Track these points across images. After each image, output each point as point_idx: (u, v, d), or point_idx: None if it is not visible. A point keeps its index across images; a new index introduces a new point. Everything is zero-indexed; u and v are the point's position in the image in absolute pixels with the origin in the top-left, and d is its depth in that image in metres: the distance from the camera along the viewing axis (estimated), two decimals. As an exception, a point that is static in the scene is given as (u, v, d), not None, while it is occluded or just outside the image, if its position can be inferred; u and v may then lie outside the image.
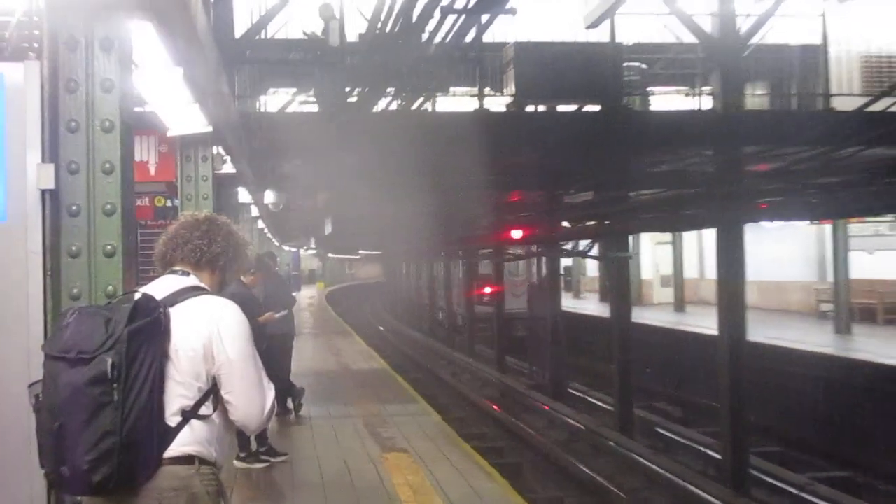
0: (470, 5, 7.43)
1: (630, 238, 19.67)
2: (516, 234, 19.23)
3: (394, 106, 12.90)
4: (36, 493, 3.65)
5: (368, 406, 11.71)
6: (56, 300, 3.81)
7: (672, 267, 28.67)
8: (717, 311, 12.39)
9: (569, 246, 19.18)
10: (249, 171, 11.68)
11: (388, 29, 8.78)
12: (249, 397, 3.01)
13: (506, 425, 16.14)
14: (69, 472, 2.72)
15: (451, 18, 7.74)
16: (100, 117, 3.90)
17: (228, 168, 10.67)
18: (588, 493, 12.15)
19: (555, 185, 17.20)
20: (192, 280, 3.14)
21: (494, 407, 17.77)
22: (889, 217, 21.19)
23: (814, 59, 14.84)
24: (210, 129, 7.82)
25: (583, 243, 17.91)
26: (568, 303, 25.02)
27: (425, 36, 8.36)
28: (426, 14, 7.75)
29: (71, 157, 3.88)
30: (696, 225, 17.47)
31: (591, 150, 13.05)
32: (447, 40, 8.24)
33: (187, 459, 2.88)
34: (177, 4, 4.32)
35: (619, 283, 16.20)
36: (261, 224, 24.52)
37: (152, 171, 9.75)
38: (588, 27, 11.38)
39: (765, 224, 19.84)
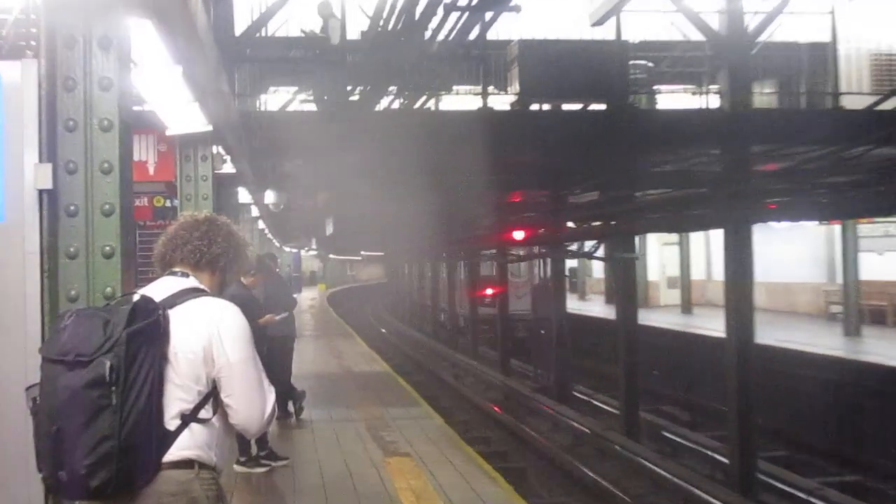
0: (473, 2, 7.43)
1: (636, 239, 19.66)
2: (521, 234, 19.23)
3: (396, 105, 12.91)
4: (33, 498, 3.64)
5: (370, 409, 11.71)
6: (54, 302, 3.80)
7: (679, 268, 28.65)
8: (725, 312, 12.37)
9: (574, 247, 19.16)
10: (250, 170, 11.69)
11: (390, 26, 8.78)
12: (250, 400, 3.01)
13: (510, 428, 16.13)
14: (67, 477, 2.72)
15: (454, 16, 7.74)
16: (98, 116, 3.90)
17: (228, 168, 10.68)
18: (593, 497, 12.13)
19: (559, 184, 17.20)
20: (192, 281, 3.14)
21: (498, 410, 17.76)
22: (899, 217, 21.14)
23: (823, 56, 14.84)
24: (210, 128, 7.82)
25: (588, 244, 17.89)
26: (573, 304, 25.02)
27: (428, 34, 8.36)
28: (429, 11, 7.74)
29: (69, 157, 3.87)
30: (704, 225, 17.44)
31: (597, 149, 13.04)
32: (450, 38, 8.24)
33: (187, 463, 2.88)
34: (176, 2, 4.32)
35: (625, 285, 16.19)
36: (261, 224, 24.55)
37: (151, 170, 9.75)
38: (594, 25, 11.43)
39: (773, 224, 19.80)
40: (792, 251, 25.19)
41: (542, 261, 22.57)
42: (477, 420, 17.17)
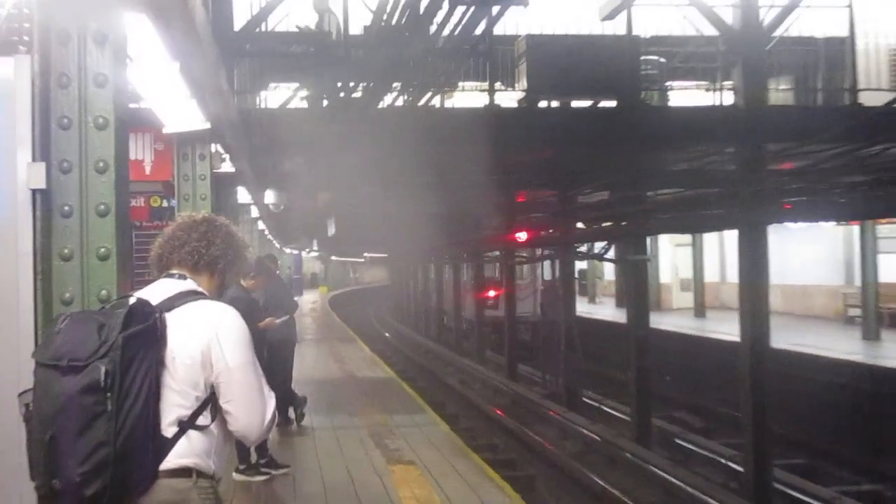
0: (479, -4, 7.42)
1: (648, 240, 19.64)
2: (529, 235, 19.21)
3: (400, 102, 12.90)
4: (27, 508, 3.65)
5: (374, 416, 11.71)
6: (47, 305, 3.81)
7: (692, 270, 28.61)
8: (740, 316, 12.36)
9: (584, 248, 19.14)
10: (249, 169, 11.70)
11: (394, 21, 8.78)
12: (249, 406, 3.01)
13: (517, 435, 16.11)
14: (61, 486, 2.72)
15: (460, 10, 7.73)
16: (93, 114, 3.90)
17: (227, 167, 10.69)
18: (604, 507, 12.13)
19: (568, 184, 17.19)
20: (190, 284, 3.14)
21: (502, 414, 17.75)
22: (920, 218, 21.09)
23: (840, 51, 14.79)
24: (208, 125, 7.84)
25: (598, 245, 17.87)
26: (582, 308, 24.99)
27: (433, 28, 8.35)
28: (434, 5, 7.73)
29: (63, 156, 3.88)
30: (718, 226, 17.43)
31: (607, 147, 13.03)
32: (456, 33, 8.24)
33: (184, 472, 2.87)
34: (174, -4, 4.33)
35: (637, 288, 16.17)
36: (261, 225, 24.58)
37: (148, 170, 9.79)
38: (604, 19, 11.41)
39: (789, 225, 19.78)
40: (808, 252, 25.17)
41: (551, 263, 22.56)
42: (483, 427, 17.16)
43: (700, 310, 27.45)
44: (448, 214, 21.93)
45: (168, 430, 2.85)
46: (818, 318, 24.50)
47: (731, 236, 15.84)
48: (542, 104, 13.43)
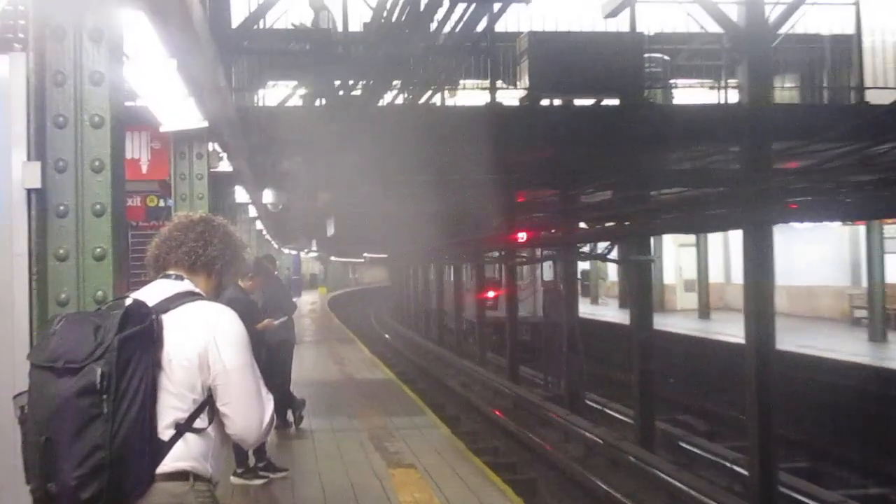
0: (481, -7, 7.43)
1: (651, 240, 19.63)
2: (530, 235, 19.21)
3: (400, 100, 12.90)
4: (22, 511, 3.65)
5: (373, 418, 11.71)
6: (42, 306, 3.80)
7: (696, 271, 28.61)
8: (744, 317, 12.35)
9: (586, 248, 19.14)
10: (247, 168, 11.70)
11: (394, 18, 8.78)
12: (247, 409, 3.00)
13: (519, 439, 16.11)
14: (56, 489, 2.72)
15: (461, 6, 7.74)
16: (89, 112, 3.90)
17: (225, 166, 10.68)
18: (607, 511, 12.12)
19: (571, 183, 17.18)
20: (187, 285, 3.14)
21: (503, 417, 17.74)
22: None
23: (846, 49, 14.79)
24: (206, 124, 7.83)
25: (601, 245, 17.87)
26: (585, 309, 24.97)
27: (434, 25, 8.35)
28: (435, 2, 7.74)
29: (58, 155, 3.88)
30: (722, 226, 17.41)
31: (610, 146, 13.03)
32: (457, 30, 8.24)
33: (181, 475, 2.87)
34: (171, -8, 4.33)
35: (640, 288, 16.16)
36: (259, 225, 24.57)
37: (144, 169, 9.79)
38: (607, 16, 11.42)
39: (795, 225, 19.75)
40: (814, 253, 25.16)
41: (553, 263, 22.56)
42: (484, 430, 17.15)
43: (704, 311, 27.44)
44: (449, 214, 21.94)
45: (165, 433, 2.85)
46: (824, 319, 24.49)
47: (736, 236, 15.85)
48: (545, 102, 13.42)
